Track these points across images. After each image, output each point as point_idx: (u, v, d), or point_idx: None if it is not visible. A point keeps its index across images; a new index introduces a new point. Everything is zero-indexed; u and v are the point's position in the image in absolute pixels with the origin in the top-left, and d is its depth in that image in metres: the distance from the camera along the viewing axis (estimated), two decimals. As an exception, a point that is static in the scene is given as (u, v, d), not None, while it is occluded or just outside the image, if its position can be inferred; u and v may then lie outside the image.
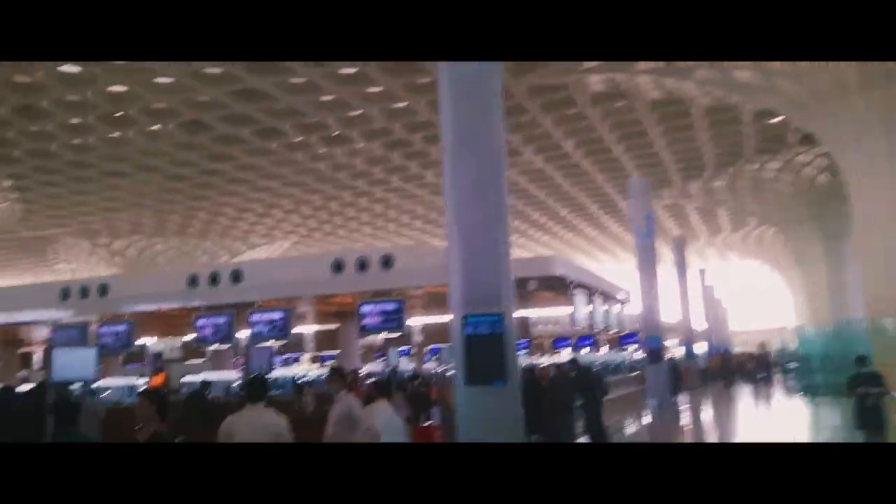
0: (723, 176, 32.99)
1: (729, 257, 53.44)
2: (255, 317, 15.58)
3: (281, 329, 15.69)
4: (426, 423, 10.68)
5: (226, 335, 15.48)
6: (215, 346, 17.10)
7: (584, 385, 12.68)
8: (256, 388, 5.56)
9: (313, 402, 13.00)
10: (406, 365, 27.59)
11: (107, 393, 20.67)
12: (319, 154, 28.78)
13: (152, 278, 22.21)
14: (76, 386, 12.78)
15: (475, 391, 8.62)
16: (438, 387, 13.19)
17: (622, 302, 19.75)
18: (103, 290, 17.99)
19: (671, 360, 26.11)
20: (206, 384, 14.88)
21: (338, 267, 15.49)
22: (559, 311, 24.49)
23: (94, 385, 17.48)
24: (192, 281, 16.51)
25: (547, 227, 44.26)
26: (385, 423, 6.83)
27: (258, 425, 5.26)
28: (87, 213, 36.62)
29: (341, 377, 7.46)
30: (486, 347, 8.66)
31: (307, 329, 31.52)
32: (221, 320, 15.46)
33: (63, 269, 46.23)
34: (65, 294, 18.50)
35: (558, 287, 14.73)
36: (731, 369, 37.58)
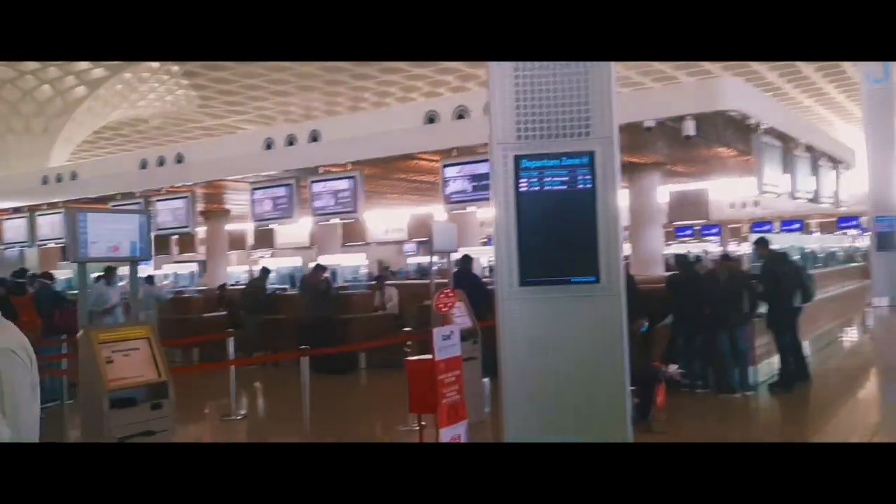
0: None
1: None
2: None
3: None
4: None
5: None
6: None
7: (777, 282, 8.01)
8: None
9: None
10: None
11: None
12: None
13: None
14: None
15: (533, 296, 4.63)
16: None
17: (839, 166, 13.96)
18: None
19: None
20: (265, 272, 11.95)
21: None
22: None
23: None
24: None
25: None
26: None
27: None
28: (258, 97, 35.63)
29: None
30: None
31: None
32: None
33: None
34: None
35: (735, 133, 9.74)
36: None
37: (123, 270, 11.20)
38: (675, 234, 32.65)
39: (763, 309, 8.32)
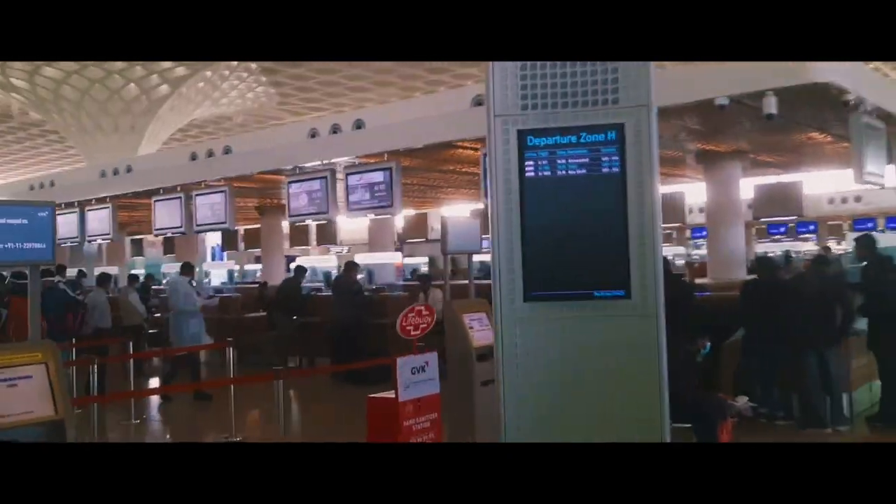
0: None
1: None
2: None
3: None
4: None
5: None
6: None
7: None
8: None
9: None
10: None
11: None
12: None
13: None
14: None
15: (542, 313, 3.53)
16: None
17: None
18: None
19: None
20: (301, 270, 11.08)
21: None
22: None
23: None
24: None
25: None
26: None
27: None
28: (335, 93, 35.46)
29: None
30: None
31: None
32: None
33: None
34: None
35: (830, 113, 8.14)
36: None
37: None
38: (767, 231, 30.45)
39: (862, 324, 6.84)
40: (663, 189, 15.97)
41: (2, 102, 36.51)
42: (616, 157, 3.65)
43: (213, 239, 28.69)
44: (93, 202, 14.30)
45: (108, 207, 13.70)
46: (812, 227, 30.76)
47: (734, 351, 6.83)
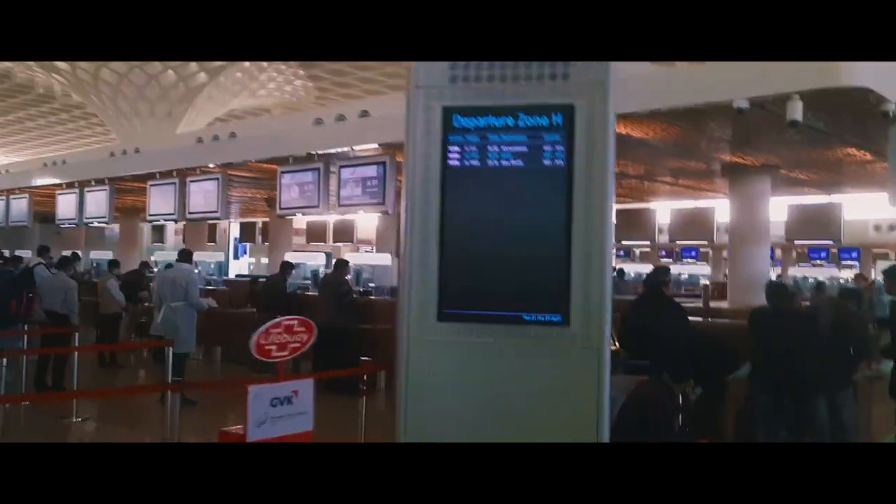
0: None
1: None
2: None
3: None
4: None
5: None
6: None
7: None
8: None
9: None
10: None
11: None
12: None
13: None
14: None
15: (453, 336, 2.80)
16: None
17: None
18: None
19: None
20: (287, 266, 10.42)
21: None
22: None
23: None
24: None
25: None
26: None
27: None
28: (373, 91, 35.07)
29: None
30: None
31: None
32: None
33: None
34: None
35: (868, 126, 7.17)
36: None
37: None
38: (808, 255, 29.08)
39: (888, 366, 5.93)
40: (689, 203, 15.05)
41: (45, 83, 36.81)
42: (561, 147, 2.91)
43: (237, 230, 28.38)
44: (92, 183, 13.85)
45: (105, 189, 13.25)
46: (854, 255, 29.31)
47: (740, 387, 5.99)
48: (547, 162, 2.92)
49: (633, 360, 6.07)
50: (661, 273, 7.12)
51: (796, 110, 6.25)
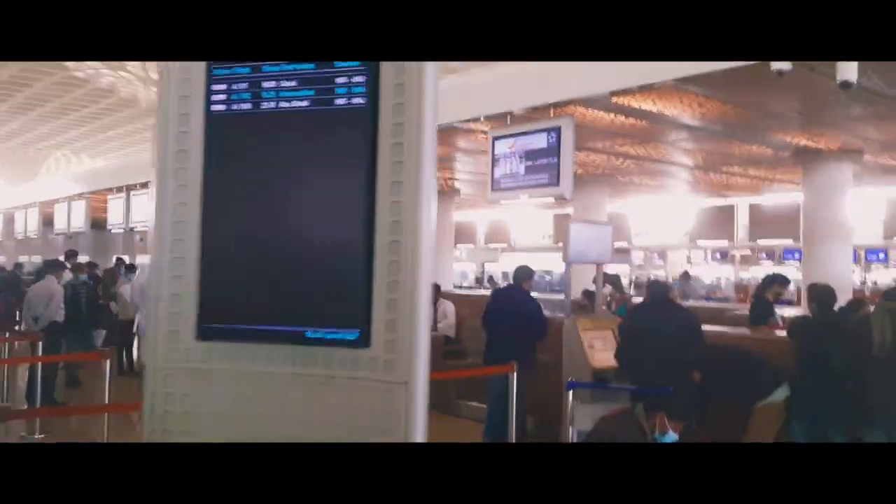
0: None
1: None
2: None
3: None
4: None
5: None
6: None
7: None
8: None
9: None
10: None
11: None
12: None
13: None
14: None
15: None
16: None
17: None
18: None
19: None
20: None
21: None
22: None
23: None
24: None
25: None
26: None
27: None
28: None
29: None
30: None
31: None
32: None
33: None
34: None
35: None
36: None
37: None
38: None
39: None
40: (770, 198, 13.22)
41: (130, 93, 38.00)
42: (361, 78, 1.94)
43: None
44: (137, 187, 13.66)
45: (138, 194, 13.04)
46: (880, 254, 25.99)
47: (768, 416, 4.76)
48: (342, 103, 1.96)
49: (619, 381, 5.00)
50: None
51: (849, 71, 4.95)
